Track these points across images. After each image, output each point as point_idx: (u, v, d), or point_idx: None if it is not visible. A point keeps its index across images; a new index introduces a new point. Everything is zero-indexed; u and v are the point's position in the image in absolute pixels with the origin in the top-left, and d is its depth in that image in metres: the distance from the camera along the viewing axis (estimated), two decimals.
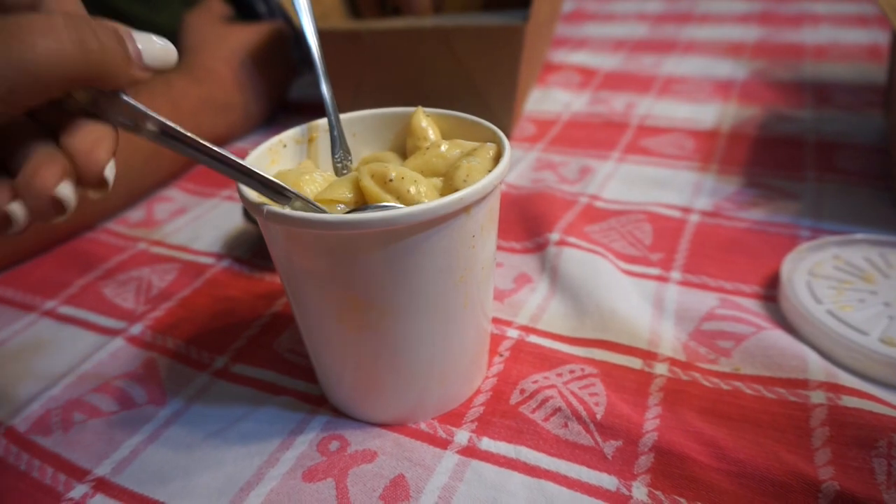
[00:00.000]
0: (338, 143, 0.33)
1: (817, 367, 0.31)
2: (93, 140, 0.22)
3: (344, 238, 0.25)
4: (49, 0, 0.23)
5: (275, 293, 0.41)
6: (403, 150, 0.34)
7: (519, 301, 0.39)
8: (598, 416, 0.30)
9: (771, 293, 0.38)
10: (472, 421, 0.31)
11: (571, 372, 0.33)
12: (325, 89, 0.34)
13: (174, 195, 0.56)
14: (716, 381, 0.32)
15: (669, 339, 0.35)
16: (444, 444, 0.30)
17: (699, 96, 0.69)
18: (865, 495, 0.26)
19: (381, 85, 0.61)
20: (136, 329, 0.39)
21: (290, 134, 0.33)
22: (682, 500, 0.26)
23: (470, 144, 0.31)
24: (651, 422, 0.30)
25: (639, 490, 0.27)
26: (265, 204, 0.26)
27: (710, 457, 0.28)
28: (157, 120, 0.23)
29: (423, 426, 0.31)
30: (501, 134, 0.30)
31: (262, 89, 0.65)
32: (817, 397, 0.30)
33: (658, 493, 0.27)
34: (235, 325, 0.39)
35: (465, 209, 0.26)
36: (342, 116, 0.34)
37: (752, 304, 0.37)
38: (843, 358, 0.32)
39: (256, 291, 0.42)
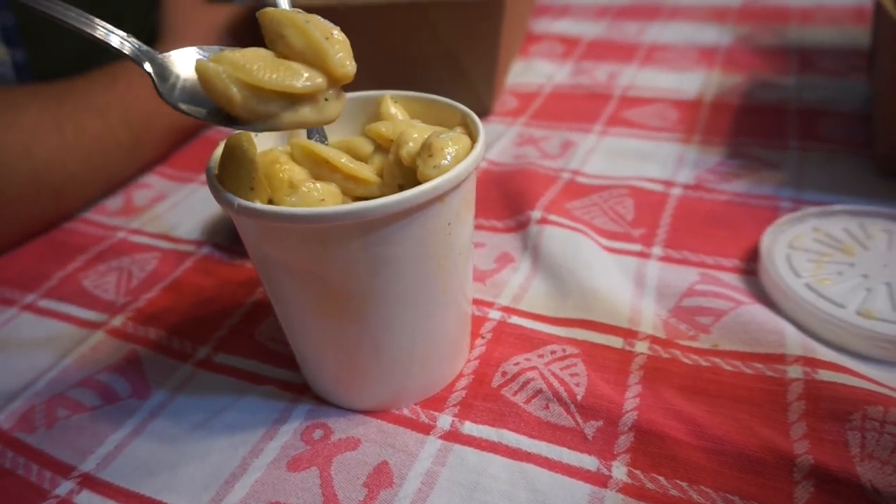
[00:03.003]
0: (314, 128, 0.32)
1: (795, 341, 0.32)
2: None
3: (317, 231, 0.25)
4: None
5: (255, 280, 0.41)
6: None
7: (501, 281, 0.39)
8: (579, 397, 0.31)
9: (751, 266, 0.38)
10: (454, 405, 0.31)
11: (553, 353, 0.33)
12: None
13: (153, 181, 0.55)
14: (695, 358, 0.32)
15: (650, 316, 0.35)
16: (426, 429, 0.30)
17: (683, 64, 0.68)
18: (839, 468, 0.26)
19: (359, 62, 0.60)
20: (118, 321, 0.39)
21: None
22: (660, 478, 0.27)
23: (441, 131, 0.30)
24: (631, 401, 0.30)
25: (618, 470, 0.27)
26: (235, 197, 0.26)
27: (689, 434, 0.28)
28: None
29: (405, 412, 0.31)
30: (474, 116, 0.30)
31: None
32: (794, 372, 0.30)
33: (637, 472, 0.27)
34: (217, 313, 0.39)
35: (440, 198, 0.26)
36: None
37: (733, 279, 0.37)
38: (821, 331, 0.32)
39: (237, 279, 0.42)
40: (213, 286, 0.41)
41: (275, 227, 0.25)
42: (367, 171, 0.29)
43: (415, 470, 0.28)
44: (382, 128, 0.31)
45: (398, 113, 0.32)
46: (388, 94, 0.33)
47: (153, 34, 0.63)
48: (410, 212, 0.25)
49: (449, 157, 0.27)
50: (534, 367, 0.32)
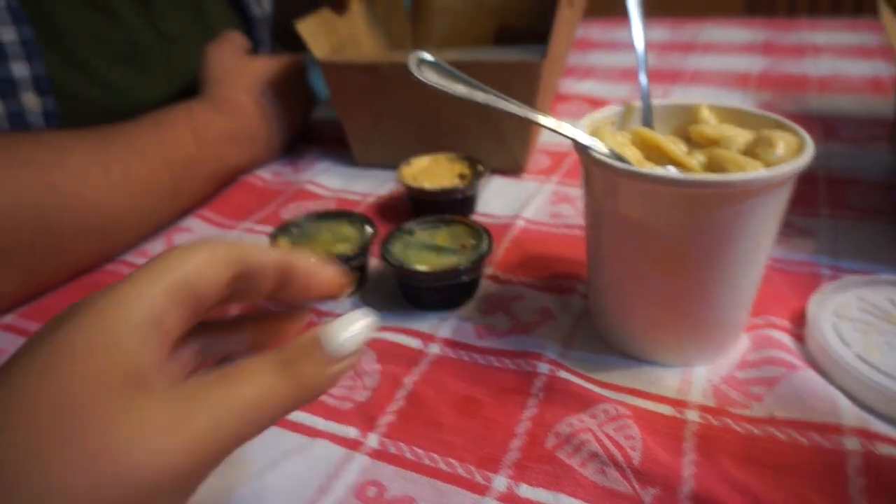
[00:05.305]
0: (649, 125, 0.39)
1: (849, 412, 0.32)
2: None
3: (696, 195, 0.30)
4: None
5: (299, 330, 0.41)
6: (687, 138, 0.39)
7: (545, 334, 0.39)
8: (635, 462, 0.31)
9: (797, 331, 0.39)
10: (509, 466, 0.31)
11: (605, 412, 0.34)
12: (643, 77, 0.40)
13: (193, 225, 0.56)
14: (749, 427, 0.32)
15: (700, 383, 0.35)
16: (482, 489, 0.30)
17: None
18: None
19: (399, 116, 0.62)
20: None
21: (611, 114, 0.39)
22: None
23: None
24: (687, 468, 0.30)
25: None
26: (616, 160, 0.32)
27: None
28: None
29: (460, 470, 0.31)
30: (792, 123, 0.35)
31: (284, 120, 0.66)
32: (851, 443, 0.30)
33: None
34: None
35: (784, 182, 0.31)
36: (635, 105, 0.40)
37: (782, 345, 0.38)
38: (875, 403, 0.32)
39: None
40: None
41: (655, 191, 0.31)
42: (693, 161, 0.35)
43: None
44: (707, 129, 0.36)
45: (712, 119, 0.38)
46: (703, 104, 0.38)
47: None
48: (776, 185, 0.30)
49: (782, 149, 0.33)
50: (588, 429, 0.33)
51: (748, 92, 0.80)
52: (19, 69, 0.54)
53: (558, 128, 0.33)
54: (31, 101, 0.56)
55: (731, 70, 0.89)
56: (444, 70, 0.34)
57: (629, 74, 0.89)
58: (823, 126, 0.69)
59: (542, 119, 0.33)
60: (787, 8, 1.56)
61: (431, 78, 0.34)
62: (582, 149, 0.33)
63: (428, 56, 0.35)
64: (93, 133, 0.51)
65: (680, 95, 0.81)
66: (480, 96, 0.33)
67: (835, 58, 0.91)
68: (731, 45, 1.01)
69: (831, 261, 0.45)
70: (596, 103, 0.79)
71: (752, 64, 0.91)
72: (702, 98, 0.78)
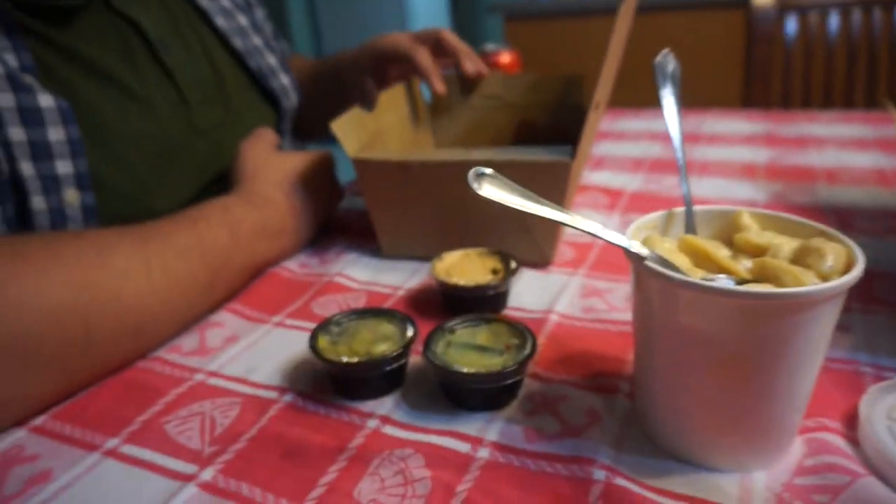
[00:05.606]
0: (691, 231, 0.40)
1: None
2: None
3: (761, 307, 0.31)
4: None
5: (344, 433, 0.41)
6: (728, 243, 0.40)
7: (595, 437, 0.39)
8: None
9: (850, 434, 0.38)
10: None
11: None
12: (684, 186, 0.42)
13: (225, 319, 0.56)
14: None
15: (761, 491, 0.35)
16: None
17: None
18: None
19: (427, 209, 0.63)
20: (208, 474, 0.38)
21: (654, 220, 0.40)
22: None
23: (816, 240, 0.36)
24: None
25: None
26: (676, 270, 0.33)
27: None
28: None
29: None
30: (836, 232, 0.36)
31: (312, 213, 0.67)
32: None
33: None
34: (310, 469, 0.38)
35: (843, 292, 0.31)
36: (677, 210, 0.41)
37: (838, 450, 0.37)
38: None
39: (326, 430, 0.41)
40: (301, 438, 0.41)
41: (715, 302, 0.31)
42: (740, 267, 0.36)
43: None
44: (753, 236, 0.37)
45: (753, 225, 0.39)
46: (744, 209, 0.39)
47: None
48: (834, 296, 0.31)
49: (832, 259, 0.33)
50: None
51: (758, 183, 0.83)
52: (64, 166, 0.56)
53: (616, 240, 0.34)
54: (71, 196, 0.57)
55: (737, 161, 0.92)
56: (501, 182, 0.36)
57: (642, 164, 0.92)
58: (837, 218, 0.71)
59: (609, 235, 0.35)
60: (780, 103, 1.63)
61: (490, 191, 0.35)
62: (636, 258, 0.34)
63: (486, 169, 0.36)
64: (133, 231, 0.52)
65: (694, 187, 0.83)
66: (537, 209, 0.35)
67: (838, 150, 0.94)
68: (735, 136, 1.05)
69: (871, 358, 0.46)
70: (612, 193, 0.82)
71: (758, 155, 0.94)
72: (716, 189, 0.81)
